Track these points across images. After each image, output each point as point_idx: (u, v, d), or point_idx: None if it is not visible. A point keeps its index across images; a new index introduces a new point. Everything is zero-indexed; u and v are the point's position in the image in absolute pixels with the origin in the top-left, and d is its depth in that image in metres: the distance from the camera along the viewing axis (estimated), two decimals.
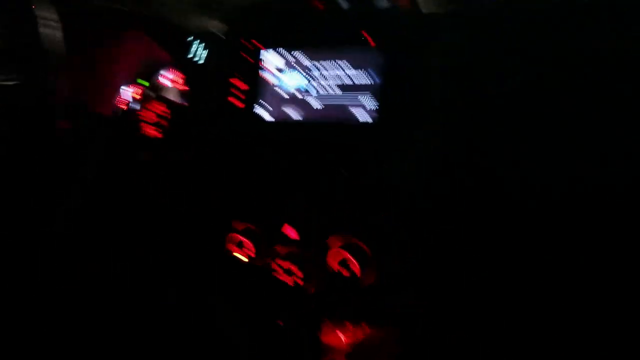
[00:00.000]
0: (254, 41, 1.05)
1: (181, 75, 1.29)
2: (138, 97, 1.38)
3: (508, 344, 0.90)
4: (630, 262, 0.78)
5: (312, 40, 1.00)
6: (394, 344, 1.08)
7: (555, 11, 0.82)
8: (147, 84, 1.39)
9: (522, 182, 0.84)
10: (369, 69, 0.94)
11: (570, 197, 0.81)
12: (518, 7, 0.86)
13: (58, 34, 0.99)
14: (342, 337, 1.18)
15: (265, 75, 1.04)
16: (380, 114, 0.92)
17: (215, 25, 1.09)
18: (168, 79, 1.42)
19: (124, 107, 1.28)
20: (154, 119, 1.14)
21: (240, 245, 1.05)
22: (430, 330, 1.00)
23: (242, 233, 1.05)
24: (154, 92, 1.23)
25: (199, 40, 1.10)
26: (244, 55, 1.05)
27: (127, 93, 1.48)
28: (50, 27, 0.98)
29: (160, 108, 1.16)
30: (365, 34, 0.94)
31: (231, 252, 1.06)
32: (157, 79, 1.39)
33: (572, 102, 0.79)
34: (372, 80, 0.94)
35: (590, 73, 0.78)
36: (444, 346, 0.99)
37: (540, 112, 0.82)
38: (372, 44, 0.93)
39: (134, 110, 1.08)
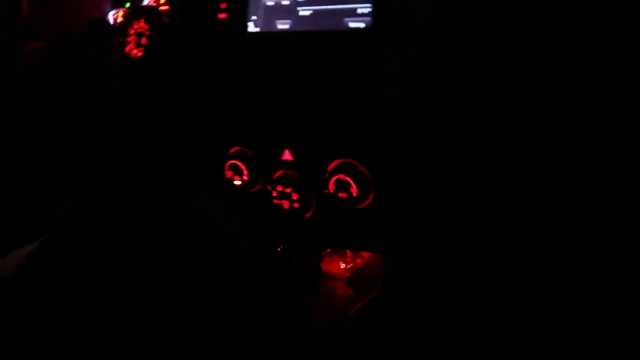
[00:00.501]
0: None
1: None
2: (121, 19, 1.30)
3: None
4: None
5: None
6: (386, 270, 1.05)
7: None
8: (129, 5, 1.30)
9: (523, 105, 0.76)
10: None
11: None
12: None
13: None
14: (342, 264, 1.16)
15: None
16: (374, 20, 0.84)
17: None
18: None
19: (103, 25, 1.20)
20: (136, 37, 1.07)
21: (233, 169, 1.00)
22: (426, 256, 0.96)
23: (234, 156, 1.00)
24: (138, 12, 1.15)
25: None
26: None
27: (115, 18, 1.40)
28: None
29: (143, 26, 1.08)
30: None
31: (225, 177, 1.01)
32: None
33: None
34: None
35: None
36: (438, 273, 0.95)
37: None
38: None
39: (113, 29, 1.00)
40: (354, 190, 0.88)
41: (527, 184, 0.78)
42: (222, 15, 0.96)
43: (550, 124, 0.75)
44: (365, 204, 0.90)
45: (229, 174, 1.01)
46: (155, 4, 1.33)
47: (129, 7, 1.38)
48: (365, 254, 1.14)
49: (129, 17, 1.27)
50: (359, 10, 0.85)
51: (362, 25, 0.84)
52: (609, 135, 0.71)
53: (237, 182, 1.01)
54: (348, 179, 0.88)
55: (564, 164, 0.75)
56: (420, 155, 0.84)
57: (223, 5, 0.96)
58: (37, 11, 0.87)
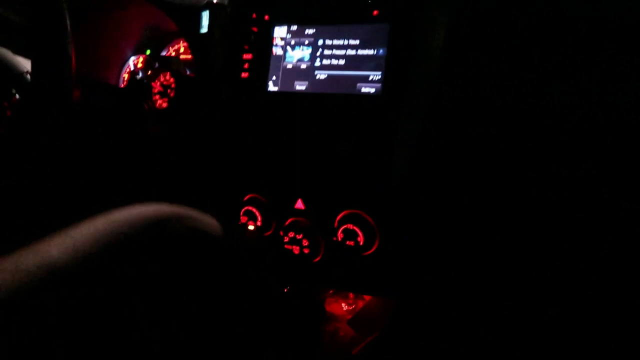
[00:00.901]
0: (261, 12, 1.05)
1: (187, 45, 1.30)
2: (143, 67, 1.39)
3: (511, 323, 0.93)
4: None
5: (318, 13, 1.01)
6: (392, 312, 1.11)
7: None
8: (149, 55, 1.39)
9: (530, 156, 0.85)
10: (373, 40, 0.94)
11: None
12: None
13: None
14: (344, 305, 1.22)
15: (271, 46, 1.04)
16: (384, 85, 0.93)
17: None
18: (174, 49, 1.43)
19: (130, 77, 1.29)
20: (161, 89, 1.15)
21: (248, 215, 1.07)
22: (428, 302, 1.03)
23: (250, 203, 1.07)
24: (160, 63, 1.24)
25: (207, 11, 1.10)
26: (251, 25, 1.05)
27: (135, 64, 1.49)
28: None
29: (167, 78, 1.16)
30: (369, 5, 0.94)
31: (240, 221, 1.08)
32: (163, 49, 1.40)
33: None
34: (376, 51, 0.94)
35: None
36: (440, 317, 1.02)
37: (545, 82, 0.82)
38: (376, 14, 0.94)
39: (140, 81, 1.08)
40: (361, 238, 0.96)
41: (528, 239, 0.87)
42: (244, 75, 1.05)
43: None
44: (371, 251, 0.97)
45: (243, 219, 1.08)
46: (175, 53, 1.42)
47: (149, 53, 1.47)
48: (367, 297, 1.21)
49: (150, 64, 1.36)
50: (371, 77, 0.94)
51: (373, 90, 0.94)
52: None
53: (251, 227, 1.08)
54: (355, 228, 0.96)
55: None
56: (426, 209, 0.93)
57: (246, 65, 1.05)
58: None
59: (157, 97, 1.17)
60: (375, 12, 0.94)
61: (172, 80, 1.14)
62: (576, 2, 0.79)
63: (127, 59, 1.47)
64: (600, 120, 0.79)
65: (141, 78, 1.10)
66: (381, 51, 0.93)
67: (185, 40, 1.23)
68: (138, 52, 1.48)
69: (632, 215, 0.78)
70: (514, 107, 0.84)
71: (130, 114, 1.05)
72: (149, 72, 1.14)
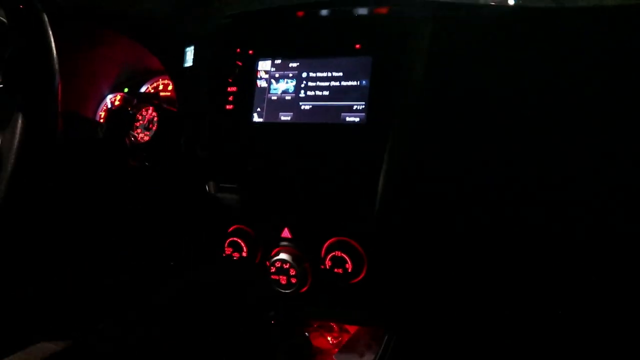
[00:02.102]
0: (245, 47, 1.08)
1: (170, 82, 1.31)
2: (121, 104, 1.39)
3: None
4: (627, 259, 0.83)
5: (302, 46, 1.04)
6: (379, 343, 1.10)
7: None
8: (131, 91, 1.40)
9: (511, 182, 0.88)
10: (356, 72, 0.98)
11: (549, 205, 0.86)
12: (489, 12, 0.92)
13: None
14: (330, 339, 1.21)
15: (256, 79, 1.07)
16: (368, 114, 0.96)
17: (206, 31, 1.11)
18: (152, 87, 1.44)
19: (110, 112, 1.28)
20: (144, 122, 1.15)
21: (233, 246, 1.06)
22: (416, 332, 1.03)
23: (235, 234, 1.07)
24: (139, 99, 1.24)
25: (192, 48, 1.12)
26: (235, 58, 1.07)
27: (112, 101, 1.48)
28: None
29: (149, 112, 1.17)
30: (353, 37, 0.98)
31: (225, 253, 1.07)
32: (145, 86, 1.40)
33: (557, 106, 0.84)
34: (359, 82, 0.97)
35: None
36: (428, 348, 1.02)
37: (522, 111, 0.87)
38: (358, 47, 0.98)
39: (122, 114, 1.08)
40: (349, 266, 0.96)
41: (515, 264, 0.89)
42: (229, 106, 1.06)
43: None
44: (359, 278, 0.97)
45: (228, 250, 1.06)
46: (154, 91, 1.43)
47: (126, 92, 1.47)
48: (352, 328, 1.20)
49: (128, 101, 1.36)
50: (355, 107, 0.97)
51: (357, 119, 0.96)
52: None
53: (236, 259, 1.06)
54: (344, 255, 0.96)
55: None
56: (413, 236, 0.94)
57: (230, 98, 1.06)
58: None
59: (139, 130, 1.16)
60: (357, 46, 0.98)
61: (154, 114, 1.14)
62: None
63: (105, 97, 1.47)
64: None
65: (122, 111, 1.09)
66: (364, 82, 0.97)
67: (169, 74, 1.24)
68: (115, 90, 1.48)
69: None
70: (497, 133, 0.88)
71: (112, 147, 1.04)
72: (130, 107, 1.14)
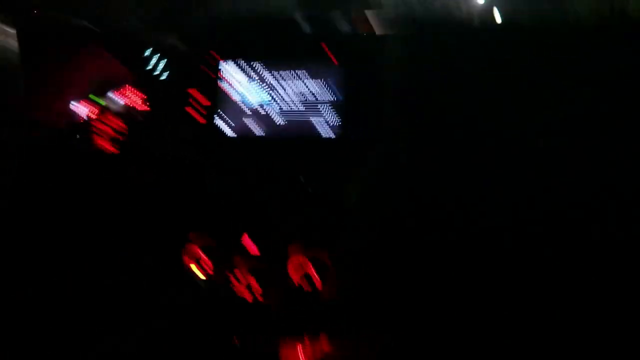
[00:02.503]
0: (215, 56, 1.06)
1: (138, 91, 1.28)
2: (91, 113, 1.34)
3: None
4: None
5: (276, 59, 1.04)
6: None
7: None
8: (100, 101, 1.36)
9: (481, 194, 0.89)
10: (331, 86, 0.98)
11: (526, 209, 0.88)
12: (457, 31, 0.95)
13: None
14: (301, 356, 1.18)
15: (228, 90, 1.05)
16: (342, 129, 0.96)
17: (175, 40, 1.10)
18: (124, 95, 1.40)
19: (77, 122, 1.24)
20: (111, 133, 1.11)
21: (199, 262, 1.03)
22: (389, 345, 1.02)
23: (201, 249, 1.04)
24: (109, 108, 1.21)
25: (158, 55, 1.10)
26: (206, 70, 1.06)
27: (80, 109, 1.44)
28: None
29: (117, 122, 1.13)
30: (327, 53, 0.98)
31: (189, 267, 1.04)
32: (113, 95, 1.36)
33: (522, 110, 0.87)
34: (334, 96, 0.97)
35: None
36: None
37: (490, 120, 0.88)
38: (335, 62, 0.98)
39: (87, 125, 1.05)
40: (318, 280, 0.94)
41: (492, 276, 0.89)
42: (202, 120, 1.05)
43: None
44: (329, 293, 0.96)
45: (190, 263, 1.03)
46: (124, 100, 1.39)
47: (96, 101, 1.43)
48: (324, 344, 1.17)
49: (103, 114, 1.33)
50: (330, 122, 0.97)
51: (332, 135, 0.96)
52: None
53: (202, 277, 1.03)
54: (313, 270, 0.95)
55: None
56: (386, 252, 0.94)
57: (200, 109, 1.05)
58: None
59: (106, 141, 1.13)
60: (334, 60, 0.98)
61: (122, 125, 1.11)
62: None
63: (74, 106, 1.42)
64: None
65: (86, 120, 1.05)
66: (340, 97, 0.97)
67: (139, 86, 1.21)
68: (84, 99, 1.43)
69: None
70: (473, 145, 0.90)
71: (77, 158, 1.01)
72: (97, 117, 1.11)
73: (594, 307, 0.85)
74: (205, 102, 1.05)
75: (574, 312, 0.86)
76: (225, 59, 1.07)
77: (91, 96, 1.41)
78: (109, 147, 1.11)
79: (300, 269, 0.95)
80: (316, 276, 0.94)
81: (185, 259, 1.05)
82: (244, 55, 1.07)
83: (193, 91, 1.07)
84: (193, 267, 1.04)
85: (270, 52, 1.05)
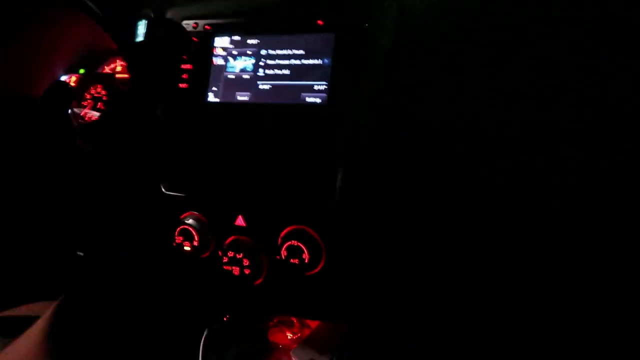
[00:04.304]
0: (201, 22, 1.01)
1: (124, 62, 1.23)
2: (74, 84, 1.30)
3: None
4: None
5: (261, 22, 0.98)
6: (339, 339, 1.05)
7: None
8: (84, 72, 1.32)
9: (471, 165, 0.83)
10: (318, 50, 0.92)
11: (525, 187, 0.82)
12: None
13: None
14: (289, 335, 1.15)
15: (212, 57, 1.00)
16: (329, 95, 0.90)
17: (162, 7, 1.05)
18: (110, 68, 1.36)
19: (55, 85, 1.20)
20: (91, 102, 1.07)
21: (184, 234, 0.99)
22: (376, 325, 0.97)
23: (186, 221, 1.00)
24: (97, 80, 1.16)
25: (144, 22, 1.05)
26: (191, 36, 1.01)
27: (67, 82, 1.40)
28: None
29: (98, 90, 1.09)
30: (315, 17, 0.92)
31: (175, 241, 1.00)
32: (99, 67, 1.32)
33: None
34: (321, 61, 0.91)
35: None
36: (391, 342, 0.97)
37: (488, 84, 0.82)
38: (320, 23, 0.92)
39: (65, 88, 1.00)
40: (306, 256, 0.90)
41: (478, 251, 0.84)
42: (183, 85, 1.00)
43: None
44: (317, 269, 0.91)
45: (179, 239, 1.00)
46: (111, 71, 1.35)
47: (82, 73, 1.39)
48: (313, 324, 1.14)
49: (83, 83, 1.29)
50: (316, 87, 0.91)
51: (318, 100, 0.91)
52: None
53: (187, 248, 1.00)
54: (300, 244, 0.90)
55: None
56: (374, 224, 0.89)
57: (185, 76, 1.00)
58: None
59: (87, 109, 1.09)
60: (320, 22, 0.92)
61: (104, 92, 1.07)
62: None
63: (59, 78, 1.39)
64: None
65: (60, 85, 1.01)
66: (326, 61, 0.91)
67: (119, 50, 1.16)
68: (71, 71, 1.39)
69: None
70: (459, 116, 0.84)
71: (55, 125, 0.96)
72: (76, 83, 1.06)
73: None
74: (187, 67, 1.00)
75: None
76: (210, 23, 1.01)
77: (81, 70, 1.38)
78: (91, 114, 1.07)
79: (289, 242, 0.91)
80: (305, 250, 0.90)
81: (170, 230, 1.01)
82: (229, 19, 1.01)
83: (177, 57, 1.02)
84: (178, 240, 1.00)
85: (256, 16, 0.99)
